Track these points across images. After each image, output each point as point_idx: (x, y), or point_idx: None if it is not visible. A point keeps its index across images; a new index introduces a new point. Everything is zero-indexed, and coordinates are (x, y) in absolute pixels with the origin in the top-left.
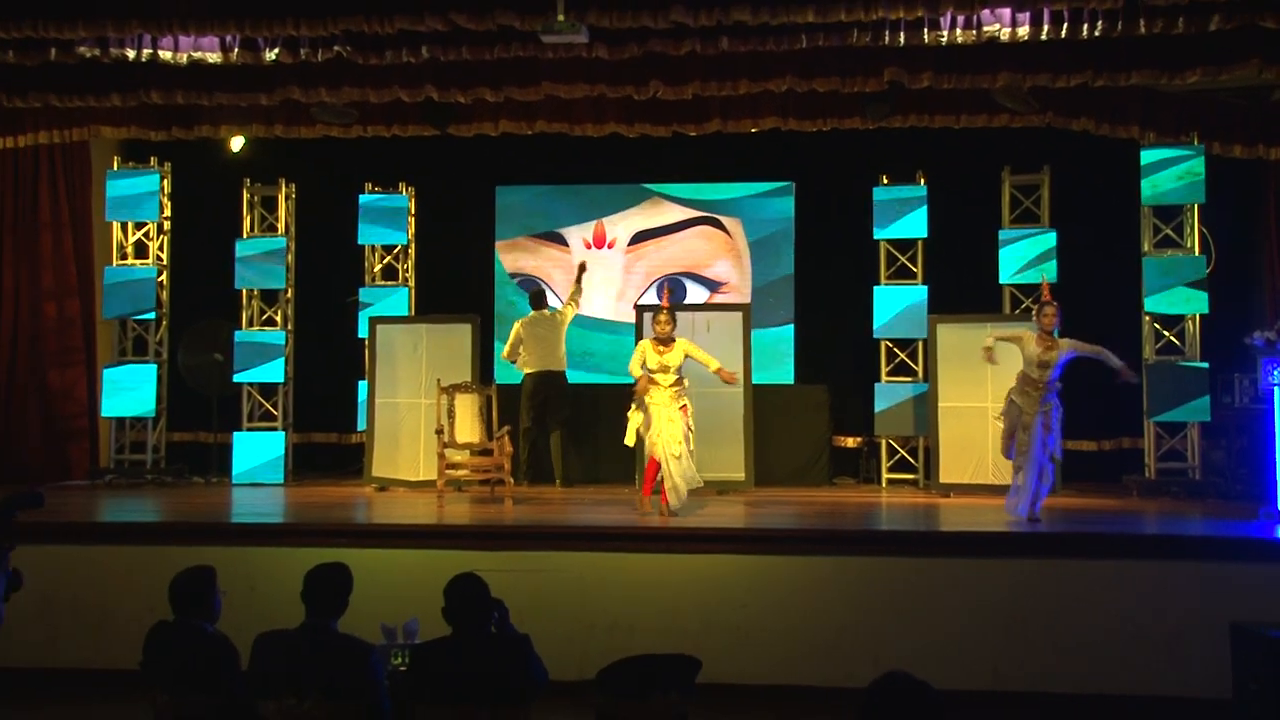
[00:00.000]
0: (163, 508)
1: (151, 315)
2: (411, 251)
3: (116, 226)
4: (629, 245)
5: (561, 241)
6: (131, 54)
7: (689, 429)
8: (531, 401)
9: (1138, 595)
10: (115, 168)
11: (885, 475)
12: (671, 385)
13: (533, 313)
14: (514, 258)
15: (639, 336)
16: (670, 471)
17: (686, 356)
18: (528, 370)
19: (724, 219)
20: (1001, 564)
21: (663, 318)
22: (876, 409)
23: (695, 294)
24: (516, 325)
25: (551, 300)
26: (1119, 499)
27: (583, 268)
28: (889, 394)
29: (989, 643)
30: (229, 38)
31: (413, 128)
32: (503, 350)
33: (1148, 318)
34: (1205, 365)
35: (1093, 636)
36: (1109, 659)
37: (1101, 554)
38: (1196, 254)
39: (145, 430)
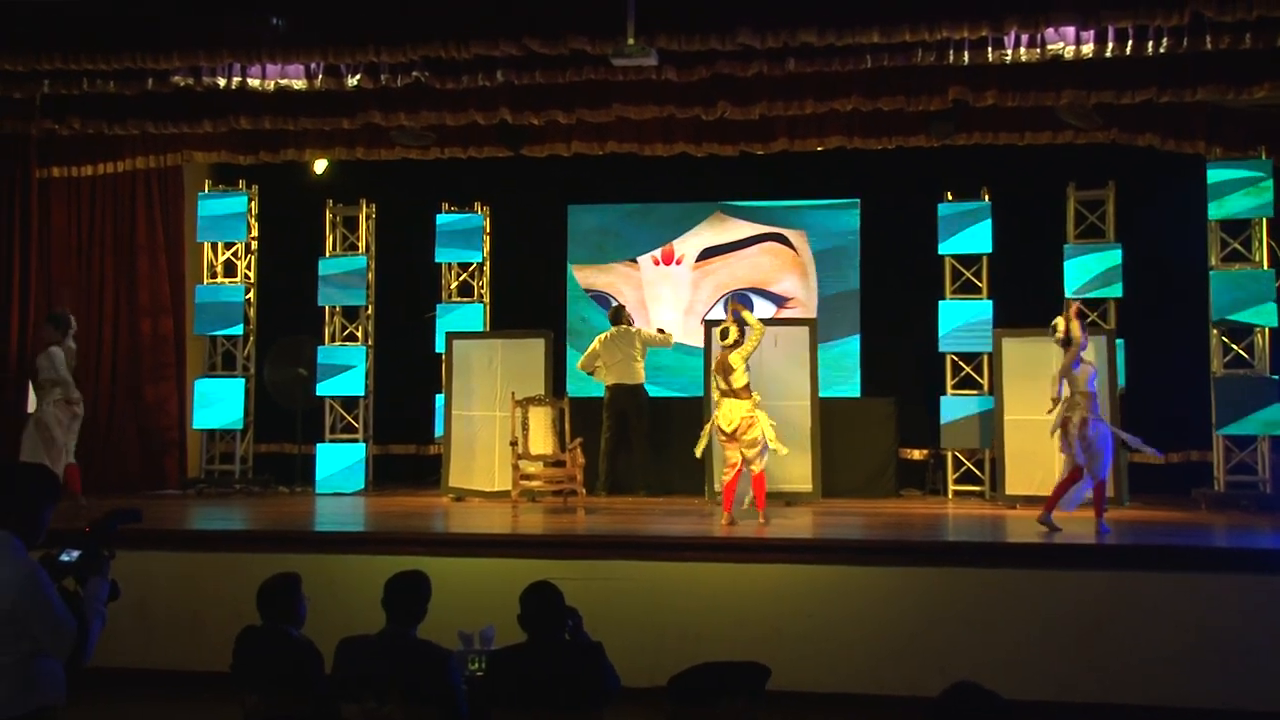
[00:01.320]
0: (250, 516)
1: (239, 331)
2: (486, 269)
3: (207, 247)
4: (696, 261)
5: (631, 259)
6: (222, 82)
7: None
8: (608, 413)
9: (1208, 608)
10: (206, 191)
11: (951, 487)
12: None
13: (612, 328)
14: (585, 274)
15: (707, 351)
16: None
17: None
18: (606, 383)
19: (790, 235)
20: (1069, 575)
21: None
22: (942, 422)
23: (762, 309)
24: (596, 339)
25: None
26: (1188, 512)
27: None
28: (955, 407)
29: (1057, 653)
30: (313, 65)
31: (488, 149)
32: (578, 361)
33: (1215, 331)
34: (1276, 378)
35: (1162, 649)
36: (1178, 671)
37: (1171, 566)
38: (1265, 268)
39: (233, 442)
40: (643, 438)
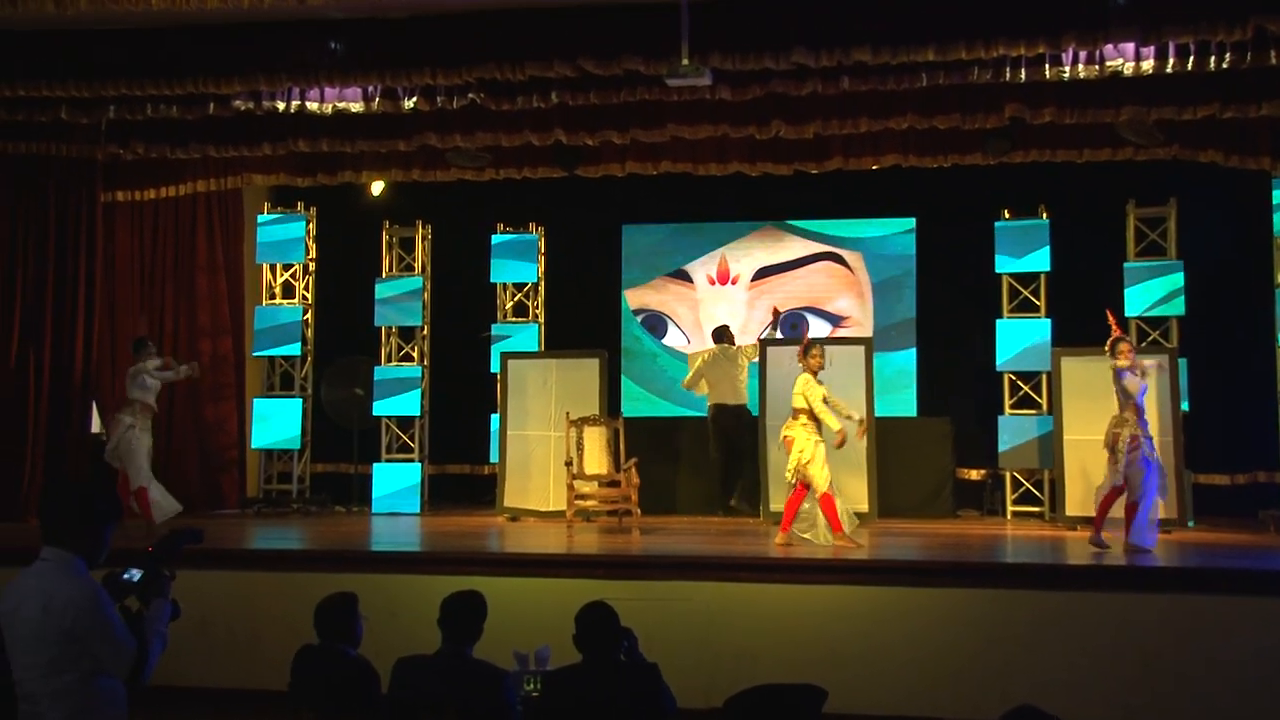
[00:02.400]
0: (307, 536)
1: (297, 352)
2: (541, 289)
3: (266, 268)
4: (752, 281)
5: (686, 278)
6: (281, 106)
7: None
8: (712, 432)
9: (1277, 634)
10: (265, 213)
11: (1010, 508)
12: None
13: (714, 346)
14: (639, 294)
15: (763, 370)
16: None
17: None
18: (709, 402)
19: (846, 254)
20: (1132, 598)
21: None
22: (1000, 442)
23: (817, 328)
24: (700, 356)
25: (675, 335)
26: (1256, 534)
27: (776, 313)
28: (1013, 427)
29: (1119, 677)
30: (370, 88)
31: (542, 170)
32: (683, 380)
33: None
34: None
35: (1227, 675)
36: (1245, 696)
37: (1238, 590)
38: None
39: (291, 461)
40: (748, 457)
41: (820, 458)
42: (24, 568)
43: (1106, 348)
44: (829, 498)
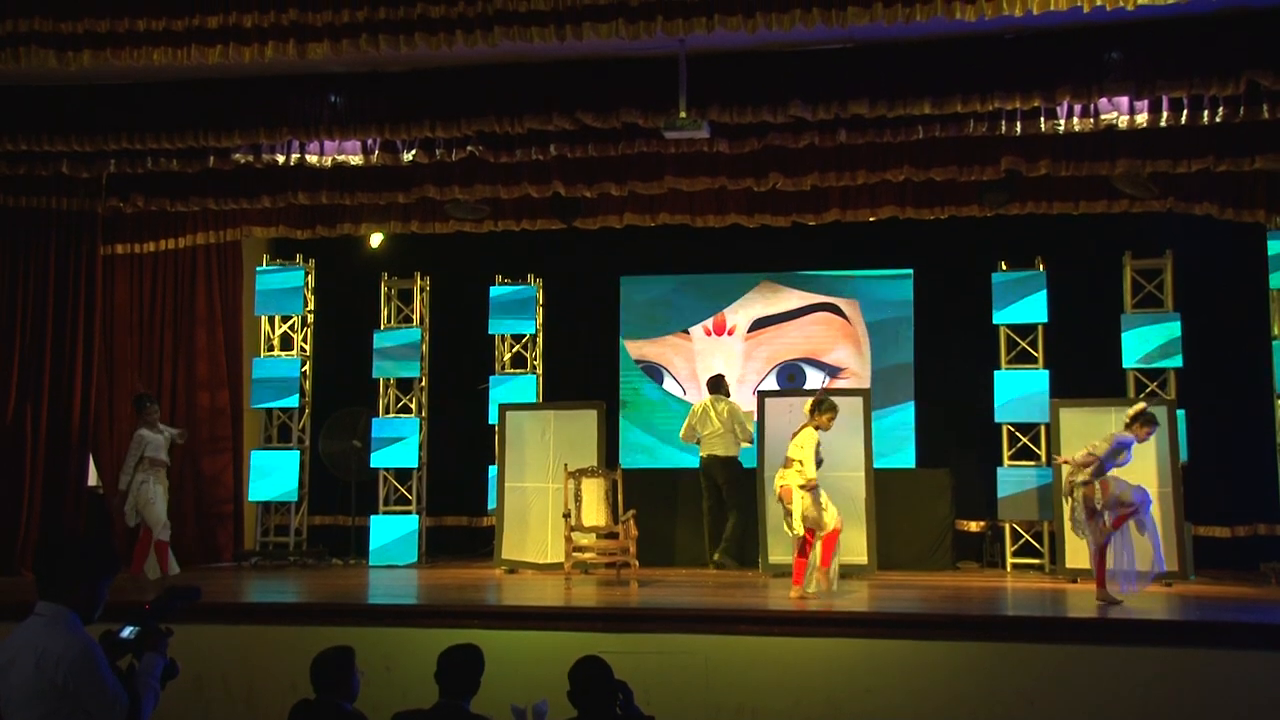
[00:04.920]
0: (304, 589)
1: (295, 404)
2: (539, 340)
3: (264, 320)
4: (749, 332)
5: (683, 330)
6: (281, 159)
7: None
8: (702, 483)
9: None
10: (264, 265)
11: (1010, 560)
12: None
13: (709, 397)
14: (638, 345)
15: (760, 421)
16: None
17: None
18: (701, 453)
19: (843, 305)
20: (1134, 651)
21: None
22: (999, 493)
23: (814, 379)
24: (693, 408)
25: (671, 386)
26: (1257, 587)
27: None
28: (1012, 478)
29: None
30: (369, 141)
31: (541, 221)
32: (681, 431)
33: (1279, 402)
34: None
35: None
36: None
37: (1239, 644)
38: None
39: (288, 514)
40: (736, 510)
41: (823, 499)
42: (18, 622)
43: (1132, 415)
44: (837, 533)
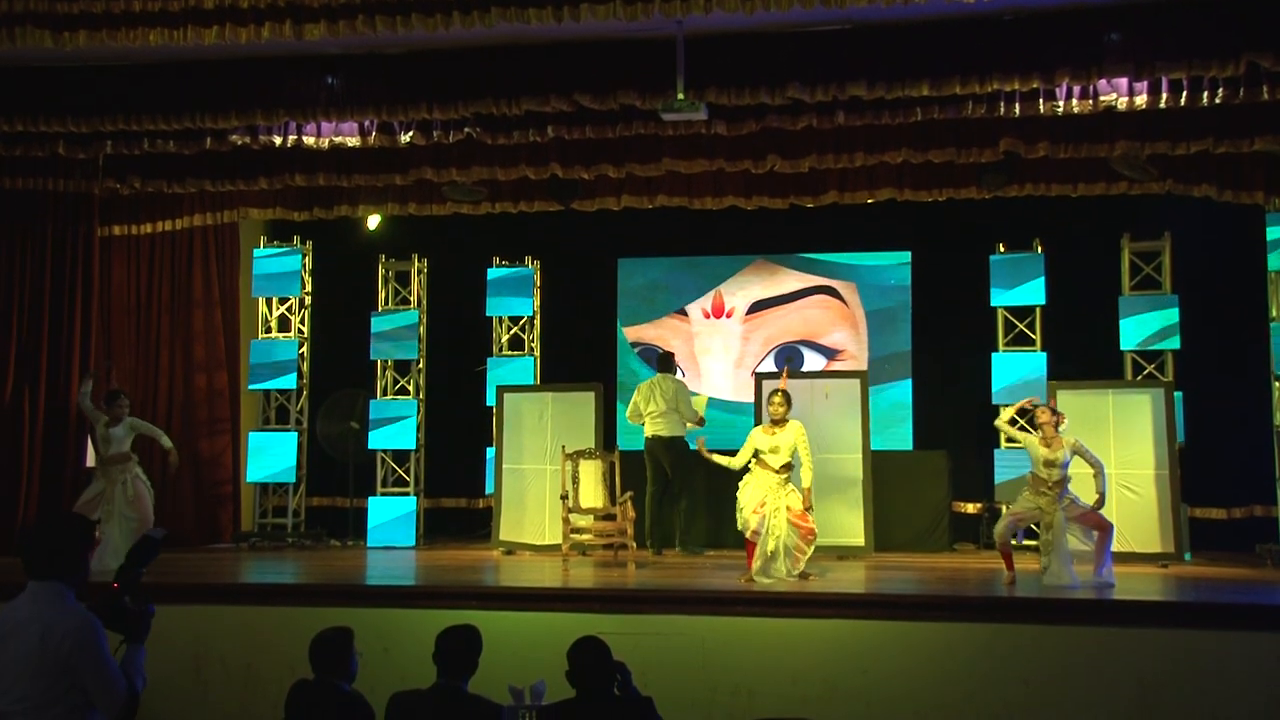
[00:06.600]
0: (302, 570)
1: (293, 385)
2: (537, 322)
3: (261, 302)
4: (747, 314)
5: (681, 311)
6: (278, 140)
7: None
8: (647, 465)
9: (1275, 668)
10: (261, 247)
11: None
12: (780, 469)
13: (656, 375)
14: (635, 327)
15: (758, 403)
16: (789, 536)
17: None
18: (645, 433)
19: (841, 287)
20: (1130, 633)
21: (777, 399)
22: (997, 475)
23: (813, 362)
24: (637, 388)
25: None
26: (1253, 569)
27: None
28: (1009, 460)
29: (1118, 713)
30: (367, 123)
31: (538, 204)
32: (627, 412)
33: (1277, 384)
34: None
35: (1227, 710)
36: None
37: (1236, 625)
38: None
39: (286, 495)
40: (685, 493)
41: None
42: (9, 600)
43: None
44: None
